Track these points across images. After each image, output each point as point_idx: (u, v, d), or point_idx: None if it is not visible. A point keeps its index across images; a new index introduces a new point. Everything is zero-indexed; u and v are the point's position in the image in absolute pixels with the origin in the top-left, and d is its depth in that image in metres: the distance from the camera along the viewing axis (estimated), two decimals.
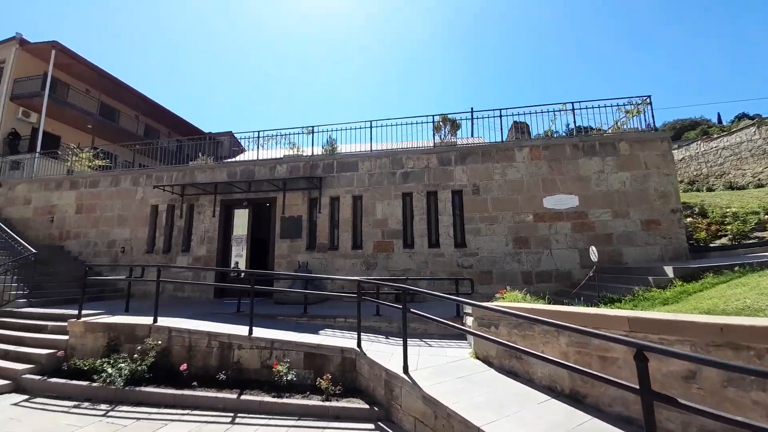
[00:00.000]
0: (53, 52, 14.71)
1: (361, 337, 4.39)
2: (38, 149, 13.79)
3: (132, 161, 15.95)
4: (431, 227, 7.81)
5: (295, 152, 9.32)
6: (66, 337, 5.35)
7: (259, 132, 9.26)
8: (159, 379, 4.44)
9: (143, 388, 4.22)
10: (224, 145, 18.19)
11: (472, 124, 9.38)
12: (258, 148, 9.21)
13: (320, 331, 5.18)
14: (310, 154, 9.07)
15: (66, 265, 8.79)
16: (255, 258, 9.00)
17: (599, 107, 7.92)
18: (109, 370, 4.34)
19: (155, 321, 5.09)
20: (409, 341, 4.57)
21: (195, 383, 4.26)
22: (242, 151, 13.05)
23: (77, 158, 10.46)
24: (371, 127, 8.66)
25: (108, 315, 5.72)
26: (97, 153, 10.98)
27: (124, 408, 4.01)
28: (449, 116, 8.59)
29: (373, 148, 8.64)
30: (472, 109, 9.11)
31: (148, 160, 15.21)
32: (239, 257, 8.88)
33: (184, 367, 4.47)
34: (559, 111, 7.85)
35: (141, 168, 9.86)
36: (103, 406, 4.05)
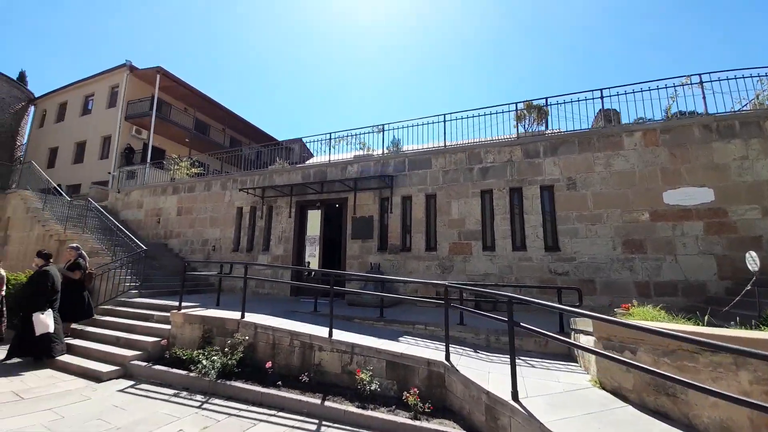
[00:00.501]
0: (158, 76, 17.07)
1: (451, 348, 3.90)
2: (148, 161, 16.10)
3: (220, 169, 17.72)
4: (515, 228, 6.99)
5: (365, 152, 9.22)
6: (169, 327, 5.82)
7: (330, 134, 9.39)
8: (246, 374, 4.51)
9: (233, 383, 4.29)
10: (295, 151, 19.26)
11: (548, 114, 8.30)
12: (330, 149, 9.32)
13: (400, 338, 4.82)
14: (381, 153, 8.88)
15: (169, 261, 9.89)
16: (326, 258, 9.09)
17: (734, 78, 6.30)
18: (204, 362, 4.52)
19: (242, 316, 5.24)
20: (503, 357, 3.95)
21: (279, 382, 4.20)
22: (311, 156, 13.54)
23: (178, 167, 11.81)
24: (444, 120, 8.14)
25: (202, 308, 6.12)
26: (193, 162, 12.29)
27: (217, 401, 4.10)
28: (534, 102, 7.64)
29: (446, 145, 8.10)
30: (546, 99, 8.03)
31: (233, 168, 16.73)
32: (312, 257, 9.06)
33: (269, 365, 4.47)
34: (681, 85, 6.41)
35: (228, 173, 10.70)
36: (199, 397, 4.20)
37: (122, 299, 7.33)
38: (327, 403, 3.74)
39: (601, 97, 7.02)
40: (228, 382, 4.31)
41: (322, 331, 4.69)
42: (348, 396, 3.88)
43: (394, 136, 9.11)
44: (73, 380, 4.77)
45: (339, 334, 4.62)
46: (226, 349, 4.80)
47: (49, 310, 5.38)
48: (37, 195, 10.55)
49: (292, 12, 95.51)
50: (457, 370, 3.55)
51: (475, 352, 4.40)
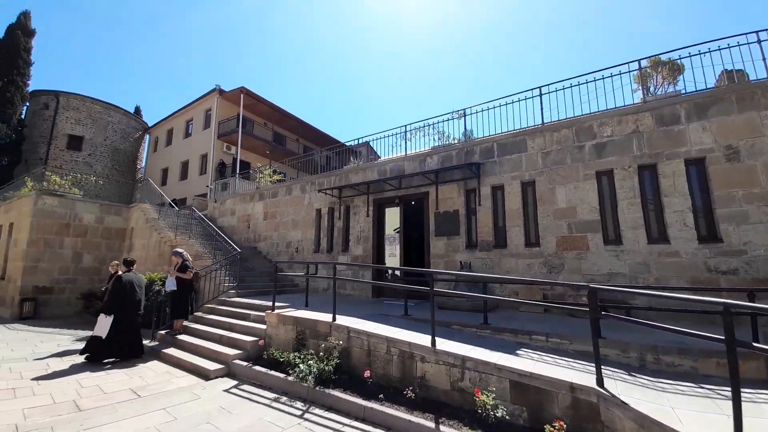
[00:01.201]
0: (242, 95, 18.70)
1: (593, 369, 2.97)
2: (237, 173, 17.70)
3: (296, 177, 18.70)
4: (648, 215, 5.56)
5: (444, 142, 8.49)
6: (264, 327, 5.86)
7: (405, 126, 8.89)
8: (343, 382, 4.16)
9: (332, 392, 3.96)
10: (362, 154, 19.38)
11: (682, 69, 6.53)
12: (405, 143, 8.82)
13: (518, 352, 3.99)
14: (462, 140, 8.06)
15: (259, 262, 10.45)
16: (408, 257, 8.57)
17: None
18: (301, 366, 4.30)
19: (334, 319, 4.95)
20: (677, 386, 2.88)
21: (381, 395, 3.73)
22: (377, 159, 13.24)
23: (262, 176, 12.57)
24: (540, 94, 6.99)
25: (293, 308, 6.06)
26: (275, 170, 12.98)
27: (317, 411, 3.79)
28: (662, 57, 6.05)
29: (545, 122, 6.94)
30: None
31: (305, 175, 17.45)
32: (392, 256, 8.63)
33: (367, 373, 4.05)
34: None
35: (307, 176, 10.95)
36: (299, 405, 3.96)
37: (222, 298, 7.79)
38: (443, 428, 3.13)
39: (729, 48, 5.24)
40: (327, 390, 4.00)
41: (422, 339, 4.12)
42: (465, 421, 3.21)
43: (465, 128, 8.14)
44: (185, 377, 4.98)
45: (442, 344, 3.99)
46: (321, 354, 4.54)
47: (111, 316, 5.59)
48: (153, 207, 12.14)
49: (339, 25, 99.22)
50: (624, 403, 2.62)
51: (629, 374, 3.36)
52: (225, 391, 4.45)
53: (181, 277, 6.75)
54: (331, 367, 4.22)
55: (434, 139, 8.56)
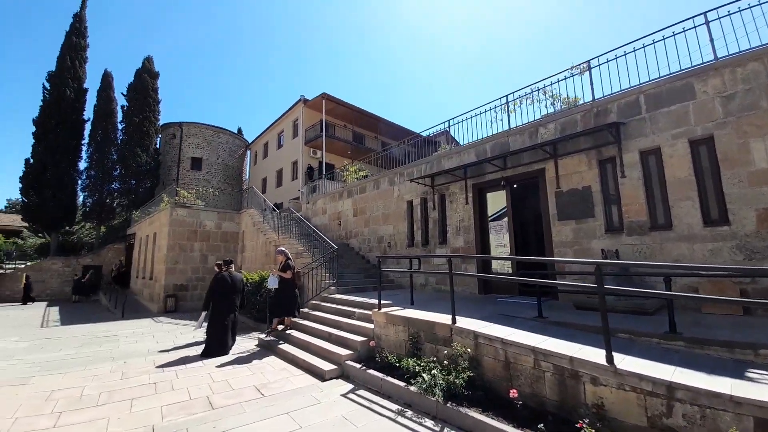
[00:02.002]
0: (323, 101, 19.43)
1: None
2: (323, 174, 18.47)
3: (378, 173, 18.66)
4: None
5: (563, 106, 7.02)
6: (371, 326, 5.46)
7: (507, 96, 7.63)
8: (478, 400, 3.38)
9: (469, 412, 3.21)
10: (441, 145, 18.28)
11: None
12: (508, 116, 7.58)
13: (748, 374, 2.66)
14: (590, 101, 6.49)
15: (352, 259, 10.38)
16: (520, 247, 7.34)
17: None
18: (425, 376, 3.66)
19: (454, 321, 4.21)
20: None
21: (541, 425, 2.83)
22: (457, 144, 11.95)
23: (348, 173, 12.61)
24: (707, 21, 5.09)
25: (398, 307, 5.53)
26: (360, 167, 12.93)
27: None
28: None
29: (718, 58, 5.03)
30: None
31: (392, 168, 17.18)
32: (501, 247, 7.50)
33: (513, 393, 3.18)
34: None
35: (395, 168, 10.48)
36: (429, 423, 3.32)
37: (324, 295, 7.77)
38: None
39: None
40: (461, 409, 3.26)
41: (586, 353, 3.08)
42: None
43: (592, 85, 6.47)
44: (302, 376, 4.83)
45: (622, 361, 2.89)
46: (446, 362, 3.83)
47: (207, 312, 6.21)
48: (258, 211, 13.23)
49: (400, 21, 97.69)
50: None
51: None
52: (343, 396, 4.08)
53: (282, 276, 6.82)
54: (462, 380, 3.47)
55: (546, 106, 7.14)
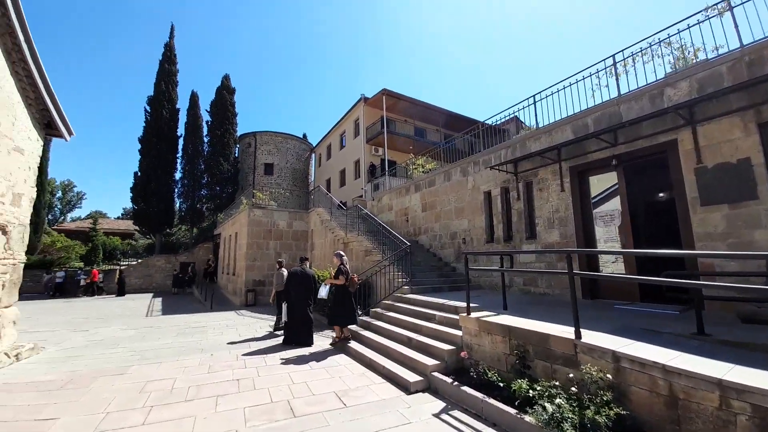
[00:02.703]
0: (383, 98, 19.14)
1: None
2: (386, 171, 18.15)
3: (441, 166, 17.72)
4: None
5: (687, 62, 5.46)
6: (457, 333, 4.74)
7: (614, 56, 6.23)
8: None
9: None
10: (509, 132, 16.60)
11: None
12: (617, 80, 6.17)
13: None
14: (735, 48, 4.90)
15: (422, 257, 9.72)
16: (643, 241, 5.91)
17: None
18: (546, 405, 2.83)
19: (578, 335, 3.27)
20: None
21: None
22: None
23: (414, 167, 11.98)
24: None
25: (491, 312, 4.70)
26: (426, 159, 12.21)
27: None
28: None
29: None
30: None
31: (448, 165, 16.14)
32: (611, 241, 6.14)
33: None
34: None
35: (468, 156, 9.53)
36: None
37: (398, 295, 7.24)
38: None
39: None
40: None
41: None
42: None
43: (736, 27, 4.82)
44: (383, 384, 4.31)
45: None
46: (573, 389, 2.94)
47: (284, 303, 6.68)
48: (326, 210, 13.36)
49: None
50: None
51: None
52: (435, 416, 3.44)
53: (335, 283, 6.39)
54: (605, 419, 2.56)
55: (672, 62, 5.63)
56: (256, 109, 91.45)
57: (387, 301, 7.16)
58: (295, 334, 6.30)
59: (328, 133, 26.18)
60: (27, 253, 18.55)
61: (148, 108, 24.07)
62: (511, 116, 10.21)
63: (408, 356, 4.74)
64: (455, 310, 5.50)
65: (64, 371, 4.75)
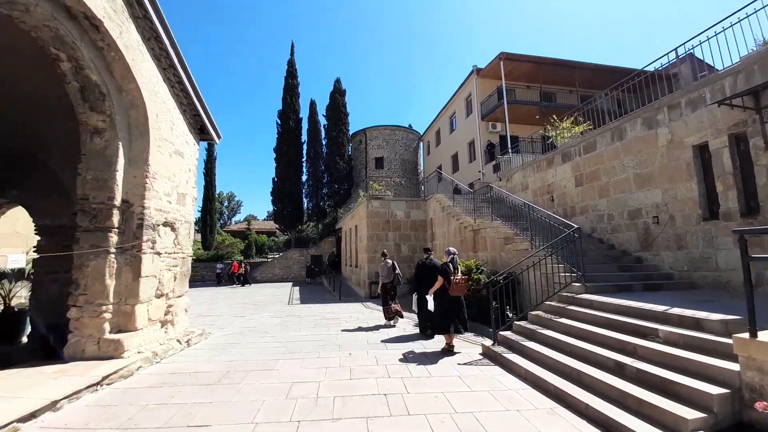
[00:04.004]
0: (501, 63, 16.57)
1: None
2: (509, 148, 15.68)
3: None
4: None
5: None
6: (721, 364, 2.81)
7: None
8: None
9: None
10: (682, 75, 11.81)
11: None
12: None
13: None
14: None
15: (584, 244, 7.41)
16: None
17: None
18: None
19: None
20: None
21: None
22: (712, 71, 6.37)
23: (559, 132, 9.53)
24: None
25: None
26: (575, 119, 9.56)
27: None
28: None
29: None
30: None
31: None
32: None
33: None
34: None
35: (664, 98, 6.68)
36: None
37: (565, 295, 5.43)
38: None
39: None
40: None
41: None
42: None
43: None
44: None
45: None
46: None
47: (414, 294, 6.46)
48: (447, 196, 12.11)
49: None
50: None
51: None
52: None
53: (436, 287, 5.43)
54: None
55: None
56: (364, 107, 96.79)
57: (551, 303, 5.43)
58: (430, 324, 6.00)
59: (436, 117, 24.83)
60: (205, 248, 23.33)
61: (278, 121, 27.41)
62: (680, 57, 6.88)
63: (630, 394, 3.04)
64: (697, 325, 3.47)
65: (223, 361, 4.85)
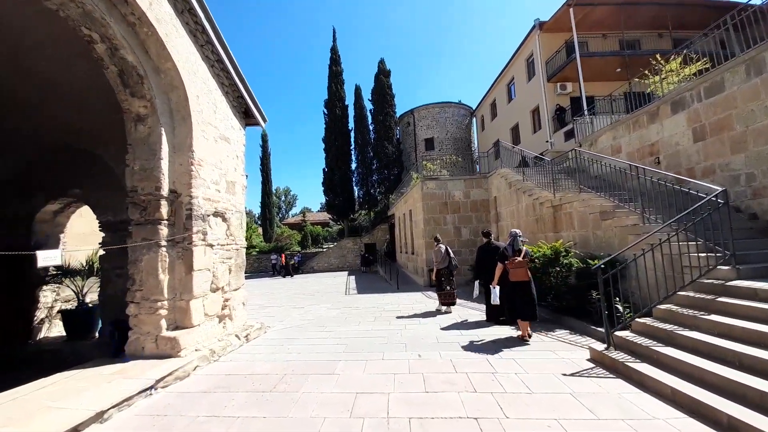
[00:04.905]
0: (570, 10, 14.13)
1: None
2: (584, 109, 13.40)
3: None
4: None
5: None
6: None
7: None
8: None
9: None
10: None
11: None
12: None
13: None
14: None
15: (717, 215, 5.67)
16: None
17: None
18: None
19: None
20: None
21: None
22: None
23: (664, 75, 7.52)
24: None
25: None
26: (685, 57, 7.46)
27: None
28: None
29: None
30: None
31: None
32: None
33: None
34: None
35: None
36: None
37: (708, 282, 4.00)
38: None
39: None
40: None
41: None
42: None
43: None
44: None
45: None
46: None
47: (477, 281, 6.22)
48: (513, 170, 10.63)
49: None
50: None
51: None
52: None
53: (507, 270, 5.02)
54: None
55: None
56: (410, 87, 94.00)
57: (687, 294, 4.05)
58: (498, 312, 5.69)
59: (490, 88, 22.60)
60: (266, 241, 24.35)
61: (325, 111, 27.33)
62: None
63: None
64: None
65: (280, 361, 4.41)
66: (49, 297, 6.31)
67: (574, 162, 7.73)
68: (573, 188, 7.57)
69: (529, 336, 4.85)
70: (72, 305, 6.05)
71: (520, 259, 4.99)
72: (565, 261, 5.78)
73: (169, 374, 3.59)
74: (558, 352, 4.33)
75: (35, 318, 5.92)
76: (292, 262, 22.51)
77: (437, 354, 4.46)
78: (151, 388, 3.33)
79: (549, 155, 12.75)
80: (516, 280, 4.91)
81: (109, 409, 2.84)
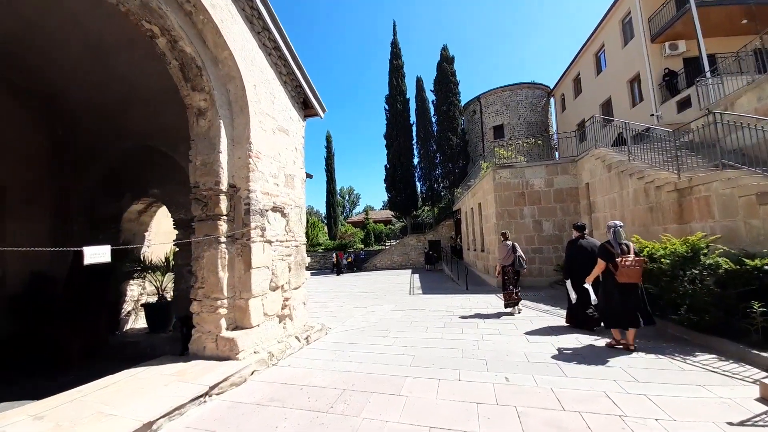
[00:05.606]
0: None
1: None
2: (706, 70, 10.59)
3: None
4: None
5: None
6: None
7: None
8: None
9: None
10: None
11: None
12: None
13: None
14: None
15: None
16: None
17: None
18: None
19: None
20: None
21: None
22: None
23: None
24: None
25: None
26: None
27: None
28: None
29: None
30: None
31: None
32: None
33: None
34: None
35: None
36: None
37: None
38: None
39: None
40: None
41: None
42: None
43: None
44: None
45: None
46: None
47: (568, 280, 5.29)
48: (612, 150, 8.78)
49: None
50: None
51: None
52: None
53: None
54: None
55: None
56: (475, 74, 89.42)
57: None
58: (583, 316, 5.13)
59: (572, 62, 19.76)
60: (330, 238, 25.14)
61: (386, 106, 27.04)
62: None
63: None
64: None
65: (340, 371, 3.92)
66: (135, 290, 6.97)
67: (708, 132, 5.85)
68: (703, 166, 5.76)
69: (634, 348, 4.13)
70: (154, 299, 6.52)
71: (635, 257, 4.11)
72: (709, 261, 4.26)
73: (224, 380, 3.34)
74: (710, 388, 3.06)
75: (122, 310, 6.56)
76: (350, 259, 22.74)
77: (531, 379, 3.51)
78: (205, 395, 3.09)
79: (662, 124, 10.34)
80: (626, 282, 4.10)
81: (158, 419, 2.61)
